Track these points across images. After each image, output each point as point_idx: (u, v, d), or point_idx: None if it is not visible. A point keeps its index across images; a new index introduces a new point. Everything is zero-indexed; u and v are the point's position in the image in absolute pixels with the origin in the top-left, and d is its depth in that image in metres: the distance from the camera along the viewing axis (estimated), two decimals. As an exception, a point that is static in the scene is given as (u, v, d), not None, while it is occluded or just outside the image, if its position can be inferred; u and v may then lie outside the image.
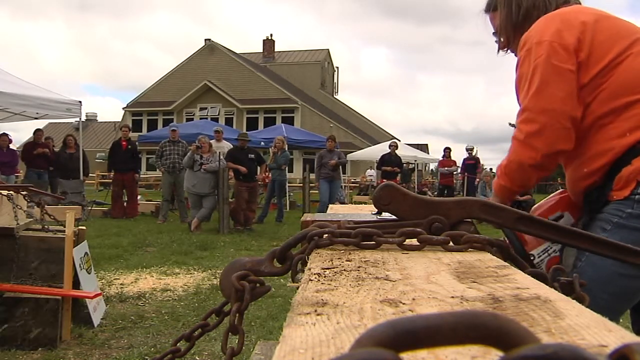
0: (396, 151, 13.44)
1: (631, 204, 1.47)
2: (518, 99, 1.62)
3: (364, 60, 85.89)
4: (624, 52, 1.51)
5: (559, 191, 1.78)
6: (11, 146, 11.26)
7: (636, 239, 1.40)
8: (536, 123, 1.51)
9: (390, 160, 12.95)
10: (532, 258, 1.59)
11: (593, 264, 1.49)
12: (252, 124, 30.47)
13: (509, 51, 1.79)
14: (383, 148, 21.98)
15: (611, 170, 1.51)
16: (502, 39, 1.78)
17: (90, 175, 12.38)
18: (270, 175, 10.88)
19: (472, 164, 15.08)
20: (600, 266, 1.46)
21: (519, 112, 1.57)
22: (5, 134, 10.98)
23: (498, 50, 1.82)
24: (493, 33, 1.83)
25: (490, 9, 1.83)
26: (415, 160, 21.42)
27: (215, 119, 28.75)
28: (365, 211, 1.77)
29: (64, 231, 3.41)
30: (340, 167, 11.53)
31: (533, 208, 1.76)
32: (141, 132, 27.28)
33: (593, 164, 1.54)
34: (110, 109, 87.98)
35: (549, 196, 1.77)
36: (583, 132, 1.55)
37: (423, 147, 35.32)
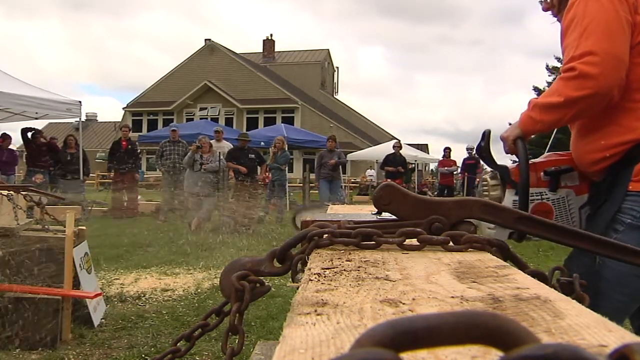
0: (400, 151, 13.46)
1: None
2: (562, 42, 1.56)
3: (363, 60, 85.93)
4: None
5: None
6: (11, 146, 11.26)
7: None
8: (600, 66, 1.45)
9: (394, 161, 12.93)
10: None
11: (608, 266, 1.46)
12: (252, 124, 30.45)
13: (551, 13, 1.74)
14: (383, 148, 22.01)
15: (630, 154, 1.47)
16: (553, 9, 1.73)
17: (90, 175, 12.37)
18: (270, 175, 10.89)
19: (472, 164, 15.07)
20: (612, 267, 1.44)
21: (577, 54, 1.49)
22: (7, 135, 10.98)
23: (544, 10, 1.76)
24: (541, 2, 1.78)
25: None
26: (415, 161, 21.43)
27: (215, 119, 28.75)
28: (365, 211, 1.77)
29: (64, 231, 3.41)
30: (340, 167, 11.53)
31: (542, 156, 1.75)
32: (141, 132, 27.28)
33: (612, 138, 1.50)
34: (109, 109, 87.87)
35: (563, 152, 1.77)
36: (615, 101, 1.51)
37: (423, 147, 35.29)
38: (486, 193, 1.75)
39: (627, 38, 1.47)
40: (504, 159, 1.70)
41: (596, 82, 1.45)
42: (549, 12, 1.75)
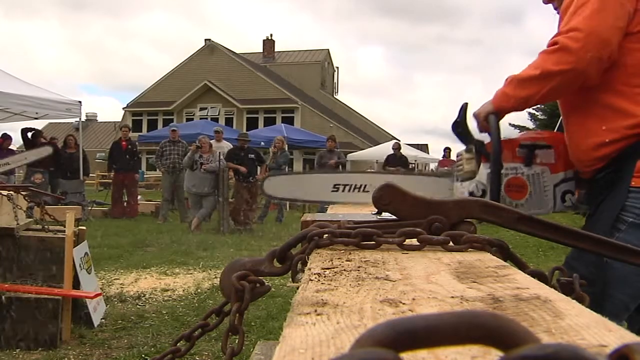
0: (400, 151, 13.45)
1: None
2: (560, 25, 1.56)
3: (362, 60, 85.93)
4: None
5: (555, 131, 1.77)
6: (11, 146, 11.26)
7: None
8: (581, 42, 1.45)
9: (395, 161, 12.94)
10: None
11: (611, 266, 1.45)
12: (252, 124, 30.45)
13: (552, 6, 1.74)
14: (383, 148, 22.03)
15: (632, 147, 1.46)
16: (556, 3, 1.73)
17: (90, 175, 12.37)
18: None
19: (472, 164, 15.06)
20: (617, 267, 1.43)
21: (562, 29, 1.50)
22: (7, 135, 10.98)
23: (545, 3, 1.77)
24: None
25: None
26: (415, 160, 21.43)
27: (215, 119, 28.75)
28: (365, 211, 1.77)
29: (64, 231, 3.41)
30: (340, 167, 11.54)
31: (520, 133, 1.75)
32: (141, 132, 27.27)
33: (612, 122, 1.49)
34: (109, 109, 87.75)
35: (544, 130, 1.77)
36: (612, 84, 1.51)
37: (423, 147, 35.30)
38: (460, 167, 1.75)
39: (619, 22, 1.46)
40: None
41: (575, 57, 1.45)
42: (550, 5, 1.74)
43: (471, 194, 1.62)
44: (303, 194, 1.98)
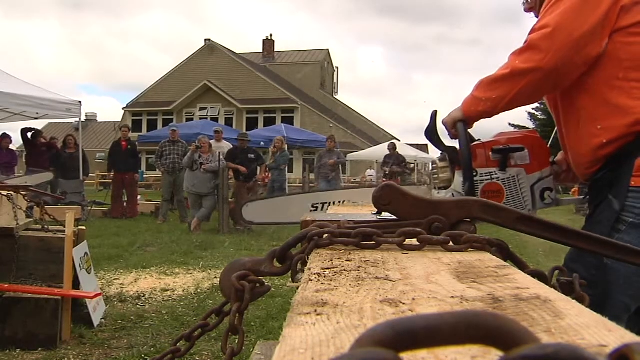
0: (397, 150, 13.41)
1: None
2: (540, 14, 1.54)
3: (362, 60, 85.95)
4: None
5: (528, 130, 1.75)
6: (10, 146, 11.26)
7: None
8: (550, 40, 1.42)
9: (393, 160, 12.94)
10: (474, 174, 1.58)
11: (612, 268, 1.44)
12: (252, 124, 30.45)
13: (534, 14, 1.71)
14: (383, 148, 22.01)
15: (629, 146, 1.44)
16: (535, 10, 1.70)
17: (90, 175, 12.38)
18: (269, 175, 10.88)
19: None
20: (617, 269, 1.42)
21: (535, 26, 1.48)
22: (6, 135, 10.98)
23: (526, 12, 1.74)
24: (524, 3, 1.76)
25: None
26: (416, 161, 21.42)
27: (215, 119, 28.75)
28: (365, 211, 1.77)
29: (64, 231, 3.41)
30: (340, 167, 11.54)
31: (492, 135, 1.71)
32: (141, 132, 27.28)
33: (609, 120, 1.46)
34: (108, 109, 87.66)
35: (517, 130, 1.75)
36: (605, 81, 1.48)
37: (423, 147, 35.30)
38: (436, 176, 1.73)
39: (593, 21, 1.43)
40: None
41: (543, 57, 1.42)
42: (532, 14, 1.71)
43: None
44: (283, 217, 1.98)
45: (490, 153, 1.60)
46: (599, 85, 1.48)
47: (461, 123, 1.59)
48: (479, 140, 1.67)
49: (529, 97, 1.53)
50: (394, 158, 13.06)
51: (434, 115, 1.66)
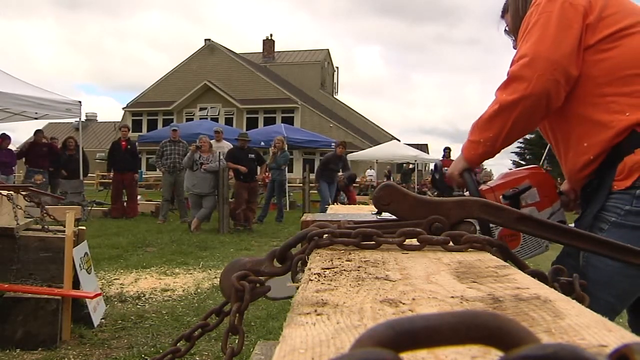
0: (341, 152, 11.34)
1: (630, 199, 1.43)
2: (518, 44, 1.57)
3: (362, 60, 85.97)
4: (633, 26, 1.50)
5: (532, 166, 1.77)
6: (10, 146, 11.26)
7: (635, 237, 1.36)
8: (531, 68, 1.45)
9: (335, 161, 11.23)
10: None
11: (593, 265, 1.47)
12: (252, 124, 30.45)
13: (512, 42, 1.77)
14: (383, 148, 22.04)
15: (612, 154, 1.47)
16: (514, 37, 1.75)
17: (90, 175, 12.38)
18: (270, 175, 10.89)
19: (472, 164, 15.03)
20: (600, 268, 1.45)
21: (514, 58, 1.52)
22: (6, 135, 10.98)
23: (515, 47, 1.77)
24: (505, 31, 1.82)
25: (503, 14, 1.84)
26: (416, 161, 21.42)
27: (215, 119, 28.74)
28: (365, 211, 1.77)
29: (64, 231, 3.41)
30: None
31: (501, 174, 1.73)
32: (141, 132, 27.29)
33: (593, 137, 1.50)
34: (107, 109, 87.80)
35: (520, 168, 1.76)
36: (584, 98, 1.51)
37: (423, 147, 35.31)
38: None
39: (568, 40, 1.47)
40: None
41: (528, 84, 1.45)
42: (512, 38, 1.76)
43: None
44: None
45: (501, 198, 1.61)
46: (579, 104, 1.52)
47: (467, 172, 1.60)
48: (484, 184, 1.68)
49: (524, 126, 1.54)
50: (337, 159, 11.24)
51: (439, 167, 1.68)
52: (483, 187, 1.65)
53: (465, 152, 1.61)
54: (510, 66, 1.52)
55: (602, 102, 1.49)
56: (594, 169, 1.52)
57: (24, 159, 11.11)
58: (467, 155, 1.60)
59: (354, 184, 18.39)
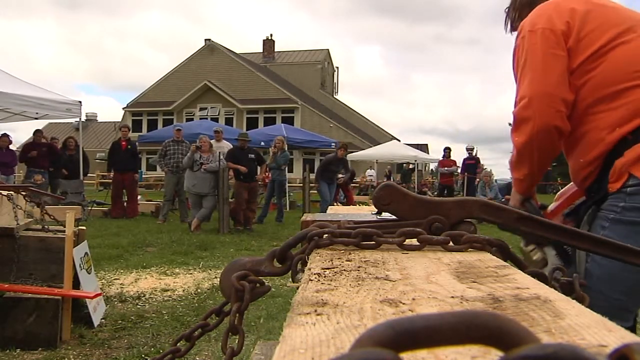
0: (345, 154, 11.24)
1: (624, 197, 1.49)
2: (516, 82, 1.67)
3: (362, 60, 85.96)
4: (614, 40, 1.55)
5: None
6: (10, 147, 11.26)
7: (632, 232, 1.45)
8: (530, 108, 1.56)
9: (336, 163, 11.15)
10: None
11: (597, 263, 1.48)
12: (252, 124, 30.45)
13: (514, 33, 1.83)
14: (383, 148, 22.03)
15: (606, 162, 1.55)
16: (510, 18, 1.86)
17: (90, 175, 12.38)
18: (270, 175, 10.88)
19: (472, 164, 15.06)
20: (604, 264, 1.45)
21: (516, 100, 1.62)
22: (5, 135, 10.98)
23: (509, 31, 1.89)
24: (506, 10, 1.91)
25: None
26: (416, 160, 21.42)
27: (215, 119, 28.75)
28: (365, 211, 1.77)
29: (64, 231, 3.41)
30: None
31: (560, 192, 1.84)
32: (141, 132, 27.28)
33: (588, 154, 1.59)
34: (107, 109, 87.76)
35: (569, 185, 1.85)
36: (577, 119, 1.59)
37: (423, 147, 35.33)
38: (528, 260, 1.73)
39: (556, 71, 1.55)
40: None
41: (533, 123, 1.56)
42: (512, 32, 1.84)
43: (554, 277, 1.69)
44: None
45: (564, 217, 1.73)
46: (572, 125, 1.60)
47: (527, 201, 1.72)
48: (545, 206, 1.80)
49: (549, 154, 1.65)
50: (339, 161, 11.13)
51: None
52: (548, 210, 1.79)
53: (516, 188, 1.74)
54: (514, 107, 1.63)
55: (593, 119, 1.56)
56: (593, 179, 1.61)
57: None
58: (519, 190, 1.74)
59: (354, 184, 18.40)
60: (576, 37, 1.56)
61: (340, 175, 11.05)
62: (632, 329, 1.58)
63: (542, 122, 1.55)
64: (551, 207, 1.80)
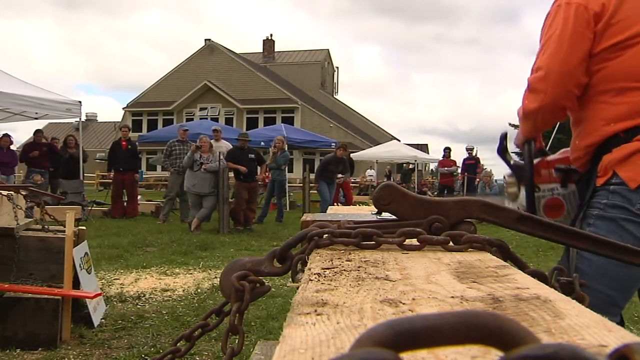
0: (344, 153, 11.08)
1: (607, 194, 1.54)
2: (540, 46, 1.69)
3: (362, 60, 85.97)
4: (637, 36, 1.54)
5: None
6: (11, 147, 11.26)
7: (614, 228, 1.50)
8: (544, 82, 1.58)
9: (334, 163, 11.03)
10: (537, 190, 1.74)
11: (586, 258, 1.50)
12: (252, 124, 30.45)
13: None
14: (383, 148, 22.02)
15: (596, 154, 1.59)
16: None
17: (90, 175, 12.38)
18: (270, 175, 10.88)
19: (472, 164, 15.07)
20: (593, 260, 1.47)
21: (533, 67, 1.65)
22: (7, 135, 10.98)
23: None
24: None
25: None
26: (416, 160, 21.42)
27: (215, 119, 28.74)
28: (365, 211, 1.77)
29: (64, 231, 3.41)
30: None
31: (558, 152, 1.88)
32: (141, 132, 27.29)
33: (583, 140, 1.64)
34: (107, 109, 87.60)
35: None
36: (584, 102, 1.62)
37: (423, 147, 35.32)
38: (506, 189, 1.92)
39: (579, 53, 1.56)
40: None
41: (543, 97, 1.60)
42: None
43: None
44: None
45: (553, 171, 1.78)
46: (580, 104, 1.64)
47: (527, 143, 1.78)
48: (547, 153, 1.85)
49: (551, 121, 1.72)
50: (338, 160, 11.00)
51: (504, 136, 1.84)
52: (543, 158, 1.83)
53: (521, 131, 1.80)
54: (530, 73, 1.65)
55: (595, 108, 1.59)
56: (584, 168, 1.66)
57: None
58: (523, 133, 1.78)
59: (354, 184, 18.39)
60: (607, 22, 1.55)
61: (340, 175, 11.04)
62: (621, 324, 1.60)
63: (552, 98, 1.58)
64: (551, 157, 1.84)
